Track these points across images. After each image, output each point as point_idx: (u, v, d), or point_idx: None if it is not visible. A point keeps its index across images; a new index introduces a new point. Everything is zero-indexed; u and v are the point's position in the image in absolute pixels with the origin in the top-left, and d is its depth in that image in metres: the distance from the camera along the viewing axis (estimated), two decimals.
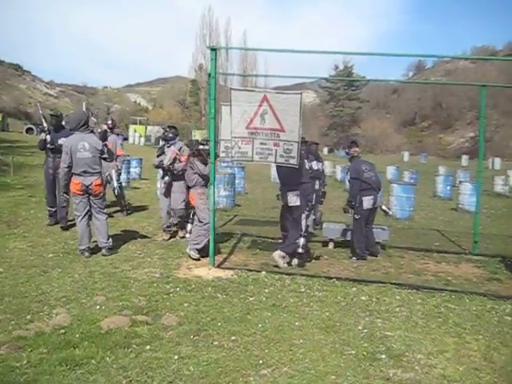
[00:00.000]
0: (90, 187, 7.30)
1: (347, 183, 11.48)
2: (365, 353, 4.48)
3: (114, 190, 10.24)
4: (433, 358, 4.46)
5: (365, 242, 8.30)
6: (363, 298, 6.07)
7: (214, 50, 6.62)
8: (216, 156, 7.19)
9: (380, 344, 4.70)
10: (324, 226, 9.27)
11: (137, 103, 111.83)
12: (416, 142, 66.42)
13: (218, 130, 8.35)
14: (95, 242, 7.66)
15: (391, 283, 6.66)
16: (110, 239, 7.61)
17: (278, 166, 7.57)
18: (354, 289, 6.39)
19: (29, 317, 5.01)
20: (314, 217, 9.69)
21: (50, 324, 4.84)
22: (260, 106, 6.80)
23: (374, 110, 74.09)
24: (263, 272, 6.88)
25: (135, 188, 16.59)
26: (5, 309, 5.19)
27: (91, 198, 7.40)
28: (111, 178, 9.84)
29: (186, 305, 5.51)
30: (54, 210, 9.41)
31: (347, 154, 8.88)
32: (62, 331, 4.67)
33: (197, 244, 7.50)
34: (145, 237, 8.95)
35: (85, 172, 7.27)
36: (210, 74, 6.85)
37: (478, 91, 9.38)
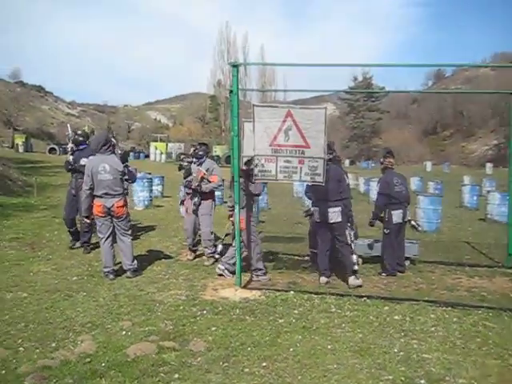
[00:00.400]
0: (111, 209, 7.21)
1: (373, 196, 11.21)
2: (403, 378, 4.26)
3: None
4: (476, 383, 4.22)
5: (395, 258, 8.06)
6: (396, 317, 5.84)
7: (235, 66, 6.51)
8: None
9: (418, 368, 4.47)
10: None
11: (157, 120, 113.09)
12: (438, 151, 65.69)
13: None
14: (120, 263, 7.56)
15: (424, 301, 6.42)
16: (135, 261, 7.51)
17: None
18: (387, 307, 6.17)
19: (54, 344, 4.89)
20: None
21: (76, 352, 4.72)
22: (284, 121, 6.66)
23: (394, 120, 73.56)
24: (291, 292, 6.69)
25: (158, 206, 16.57)
26: (29, 336, 5.08)
27: (114, 220, 7.31)
28: None
29: (213, 329, 5.35)
30: (73, 229, 9.31)
31: (381, 163, 8.66)
32: (88, 360, 4.54)
33: (230, 265, 7.44)
34: (169, 257, 8.83)
35: (106, 194, 7.19)
36: (231, 91, 6.72)
37: (501, 98, 9.16)
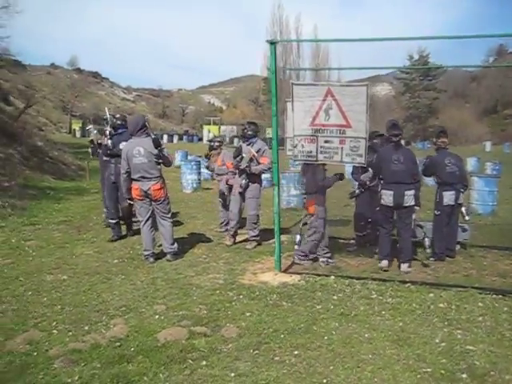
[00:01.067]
0: (148, 192, 7.17)
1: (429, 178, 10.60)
2: (443, 371, 3.99)
3: None
4: None
5: (445, 242, 7.66)
6: (441, 305, 5.52)
7: (273, 43, 6.26)
8: None
9: (460, 360, 4.18)
10: None
11: (211, 104, 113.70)
12: (499, 131, 62.90)
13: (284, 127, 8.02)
14: (161, 246, 7.53)
15: (473, 287, 6.05)
16: (176, 244, 7.46)
17: (392, 162, 7.03)
18: (431, 294, 5.85)
19: (87, 328, 4.89)
20: None
21: (107, 336, 4.69)
22: (324, 100, 6.39)
23: (452, 99, 70.94)
24: (332, 276, 6.47)
25: (206, 189, 16.55)
26: (64, 319, 5.10)
27: (153, 203, 7.27)
28: None
29: (248, 314, 5.21)
30: (114, 222, 8.82)
31: (434, 144, 8.19)
32: (118, 344, 4.50)
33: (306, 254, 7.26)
34: (211, 240, 8.73)
35: (142, 177, 7.16)
36: (271, 70, 6.48)
37: None
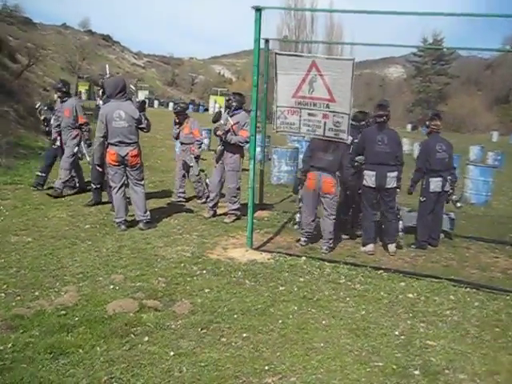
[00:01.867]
0: (125, 158, 6.93)
1: None
2: (395, 366, 3.77)
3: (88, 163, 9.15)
4: (479, 380, 3.68)
5: (428, 229, 7.42)
6: (410, 295, 5.30)
7: (258, 10, 5.94)
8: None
9: (416, 356, 3.97)
10: None
11: (221, 75, 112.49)
12: (508, 121, 61.97)
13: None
14: (133, 216, 7.32)
15: (448, 279, 5.82)
16: (148, 212, 7.25)
17: (376, 143, 6.79)
18: (403, 283, 5.63)
19: (37, 293, 4.70)
20: None
21: (55, 303, 4.49)
22: (308, 72, 6.13)
23: (463, 86, 69.75)
24: (303, 257, 6.25)
25: (202, 159, 16.22)
26: (16, 282, 4.92)
27: (128, 169, 7.03)
28: (82, 153, 9.31)
29: (206, 291, 5.01)
30: (95, 187, 8.49)
31: (427, 127, 7.86)
32: (63, 312, 4.31)
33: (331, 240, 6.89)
34: (191, 211, 8.51)
35: (120, 142, 6.91)
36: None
37: None
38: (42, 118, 9.60)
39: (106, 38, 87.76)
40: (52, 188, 9.01)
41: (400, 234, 7.21)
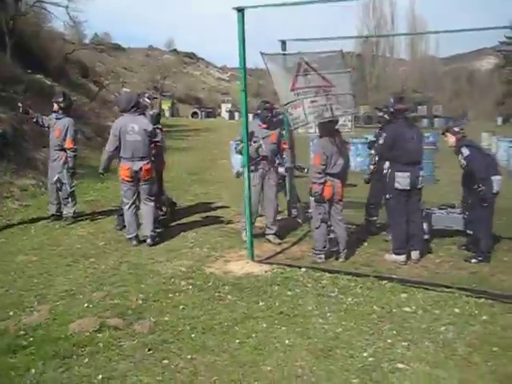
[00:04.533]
0: (139, 172, 6.91)
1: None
2: None
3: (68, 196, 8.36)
4: None
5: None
6: (407, 308, 4.78)
7: (240, 11, 5.70)
8: None
9: (376, 382, 3.51)
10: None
11: None
12: None
13: None
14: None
15: (460, 288, 5.20)
16: (156, 228, 7.19)
17: (408, 141, 6.26)
18: (404, 295, 5.10)
19: (11, 313, 4.71)
20: None
21: (22, 323, 4.49)
22: (299, 68, 5.89)
23: None
24: (303, 269, 5.86)
25: None
26: None
27: (141, 183, 7.00)
28: (62, 182, 8.29)
29: (181, 307, 4.80)
30: None
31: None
32: (22, 332, 4.28)
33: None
34: (213, 224, 8.31)
35: (134, 156, 6.89)
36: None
37: None
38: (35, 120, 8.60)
39: (191, 55, 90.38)
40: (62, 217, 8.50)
41: (426, 236, 6.65)
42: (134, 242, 6.99)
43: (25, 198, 10.19)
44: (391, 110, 6.77)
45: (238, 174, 7.30)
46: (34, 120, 8.55)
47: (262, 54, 5.81)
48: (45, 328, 4.37)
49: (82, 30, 31.29)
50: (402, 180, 6.23)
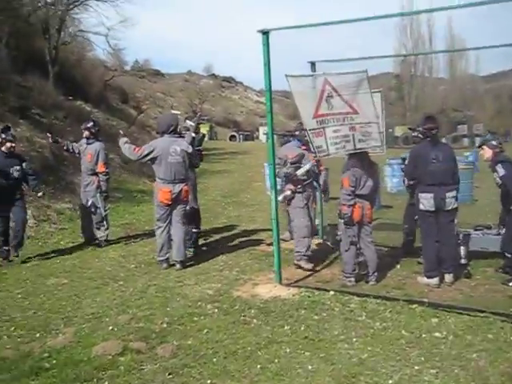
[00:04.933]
0: (180, 194, 6.94)
1: None
2: None
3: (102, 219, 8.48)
4: None
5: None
6: (438, 334, 4.58)
7: (265, 33, 5.71)
8: None
9: None
10: None
11: None
12: None
13: None
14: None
15: (495, 313, 4.96)
16: (190, 247, 7.21)
17: (430, 161, 6.09)
18: (435, 320, 4.91)
19: (38, 335, 4.78)
20: None
21: (47, 345, 4.53)
22: (323, 90, 5.74)
23: None
24: (331, 292, 5.73)
25: None
26: (26, 324, 5.05)
27: (178, 206, 7.00)
28: (96, 206, 8.37)
29: (205, 331, 4.75)
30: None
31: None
32: (46, 355, 4.31)
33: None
34: (244, 247, 8.27)
35: (175, 178, 6.91)
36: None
37: None
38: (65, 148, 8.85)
39: (229, 79, 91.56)
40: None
41: (463, 260, 6.43)
42: (165, 265, 6.99)
43: (61, 221, 10.40)
44: (420, 129, 6.63)
45: (285, 198, 7.06)
46: (65, 148, 8.79)
47: (286, 76, 5.78)
48: (69, 351, 4.39)
49: (122, 57, 32.24)
50: (426, 201, 6.10)
